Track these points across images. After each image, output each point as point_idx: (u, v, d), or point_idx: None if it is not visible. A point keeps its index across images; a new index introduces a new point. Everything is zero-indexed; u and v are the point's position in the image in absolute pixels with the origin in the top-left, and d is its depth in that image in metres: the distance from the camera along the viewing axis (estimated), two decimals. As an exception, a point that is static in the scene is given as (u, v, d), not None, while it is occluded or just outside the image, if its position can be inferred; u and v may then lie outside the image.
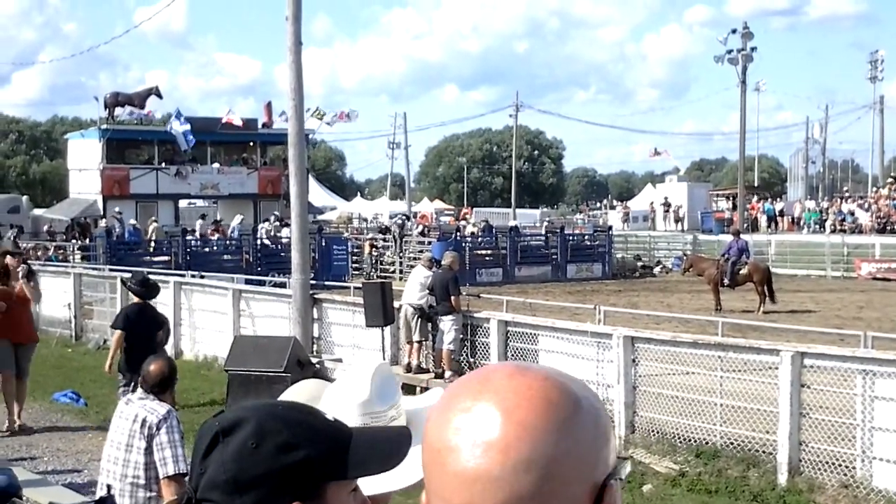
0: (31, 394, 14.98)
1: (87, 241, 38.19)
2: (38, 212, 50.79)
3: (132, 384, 11.04)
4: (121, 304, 19.40)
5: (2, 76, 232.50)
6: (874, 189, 64.90)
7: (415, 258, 32.48)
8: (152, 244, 35.78)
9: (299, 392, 2.41)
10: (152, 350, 10.81)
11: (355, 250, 39.09)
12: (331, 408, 2.18)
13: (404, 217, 47.20)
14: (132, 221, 38.69)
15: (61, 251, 34.97)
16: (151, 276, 14.41)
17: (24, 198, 52.18)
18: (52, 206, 56.52)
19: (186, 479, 5.87)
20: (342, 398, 2.29)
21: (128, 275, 20.64)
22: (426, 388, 14.43)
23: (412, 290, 15.45)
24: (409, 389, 14.15)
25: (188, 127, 43.76)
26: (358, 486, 1.51)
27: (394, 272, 36.49)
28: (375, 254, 38.53)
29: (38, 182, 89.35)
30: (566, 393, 1.18)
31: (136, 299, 12.58)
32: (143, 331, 11.76)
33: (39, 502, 8.47)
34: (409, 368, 15.20)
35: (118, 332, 11.99)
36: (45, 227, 42.86)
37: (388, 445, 1.51)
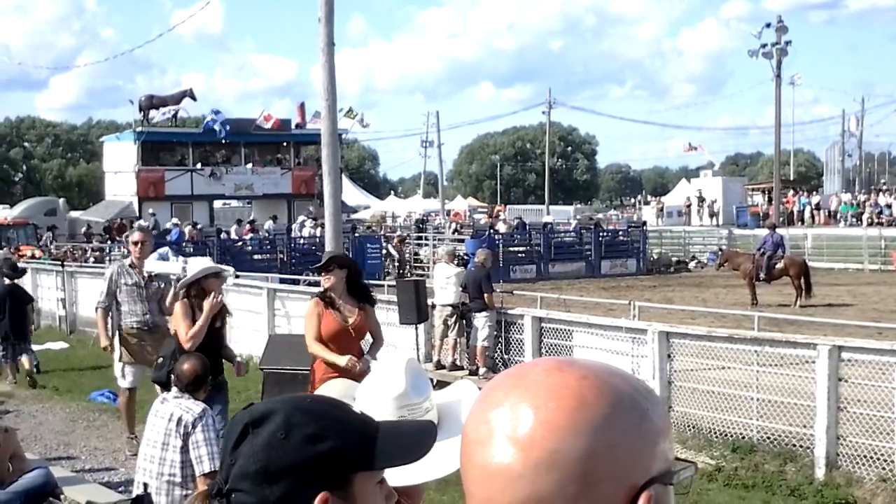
0: (69, 392, 15.11)
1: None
2: (74, 214, 51.35)
3: (7, 351, 15.62)
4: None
5: (40, 81, 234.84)
6: (912, 181, 64.22)
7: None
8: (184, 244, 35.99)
9: (328, 391, 2.43)
10: (24, 320, 15.78)
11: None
12: (367, 402, 2.20)
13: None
14: (175, 220, 38.92)
15: (98, 252, 35.23)
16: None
17: (61, 200, 52.75)
18: (88, 208, 57.07)
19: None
20: (378, 393, 2.30)
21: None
22: (460, 385, 14.41)
23: (444, 290, 15.41)
24: (443, 387, 14.13)
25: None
26: (384, 478, 1.53)
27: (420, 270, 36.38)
28: (406, 252, 38.38)
29: (74, 185, 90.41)
30: (605, 391, 1.13)
31: (7, 281, 15.96)
32: (16, 306, 15.67)
33: (77, 500, 8.55)
34: (439, 365, 15.20)
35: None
36: (83, 230, 43.28)
37: (413, 438, 1.54)
